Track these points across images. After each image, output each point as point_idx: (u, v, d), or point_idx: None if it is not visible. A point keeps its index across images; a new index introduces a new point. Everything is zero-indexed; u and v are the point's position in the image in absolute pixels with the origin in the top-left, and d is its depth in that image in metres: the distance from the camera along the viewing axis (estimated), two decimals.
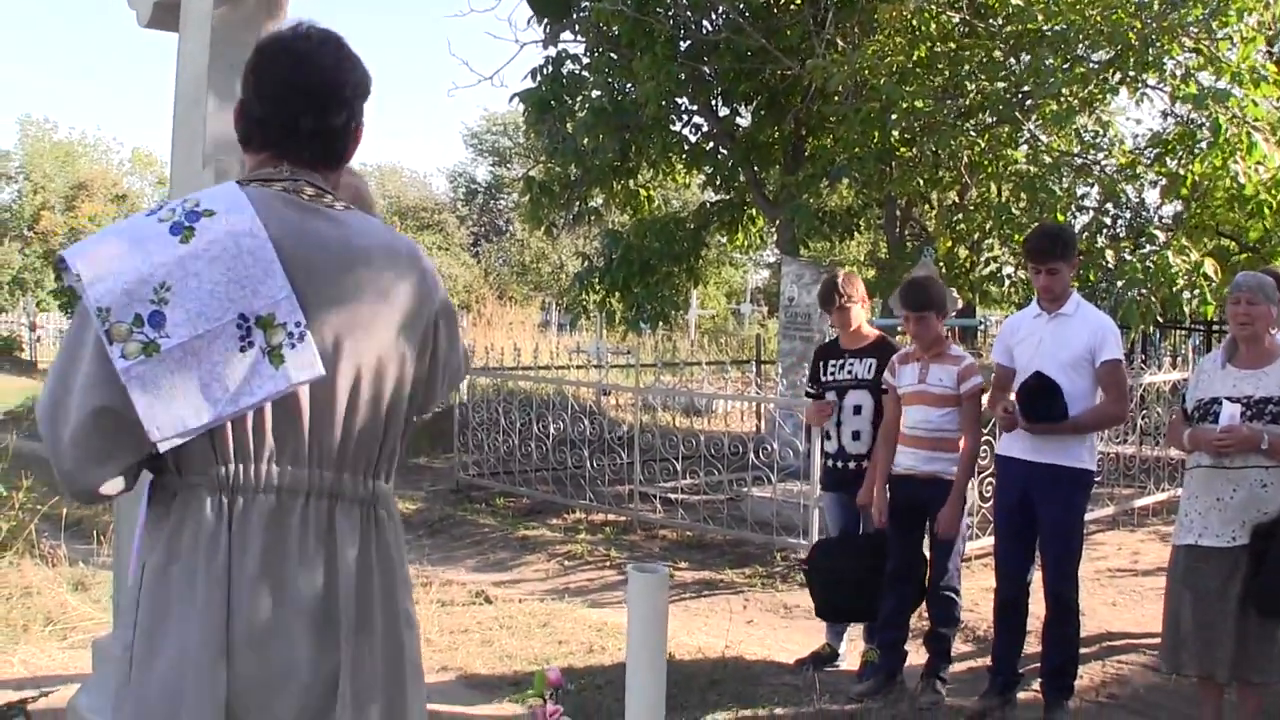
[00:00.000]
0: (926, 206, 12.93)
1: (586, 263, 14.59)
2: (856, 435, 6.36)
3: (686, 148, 13.67)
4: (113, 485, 2.10)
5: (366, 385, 2.20)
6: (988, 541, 6.92)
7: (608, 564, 9.31)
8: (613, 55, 13.57)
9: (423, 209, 31.99)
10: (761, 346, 16.53)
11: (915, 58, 10.28)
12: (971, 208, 11.57)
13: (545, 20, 13.76)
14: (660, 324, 13.95)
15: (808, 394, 6.82)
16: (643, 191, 14.63)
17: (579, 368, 15.66)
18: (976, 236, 11.34)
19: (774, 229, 13.88)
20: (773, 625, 7.80)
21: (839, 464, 6.44)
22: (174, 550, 2.12)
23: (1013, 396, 5.56)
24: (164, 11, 4.24)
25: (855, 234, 14.64)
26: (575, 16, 13.77)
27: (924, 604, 6.11)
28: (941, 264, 11.71)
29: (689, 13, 12.77)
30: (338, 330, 2.16)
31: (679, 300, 14.52)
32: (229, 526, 2.10)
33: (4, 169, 33.43)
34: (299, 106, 2.25)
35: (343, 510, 2.20)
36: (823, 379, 6.49)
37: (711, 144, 13.68)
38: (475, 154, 32.84)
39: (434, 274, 2.35)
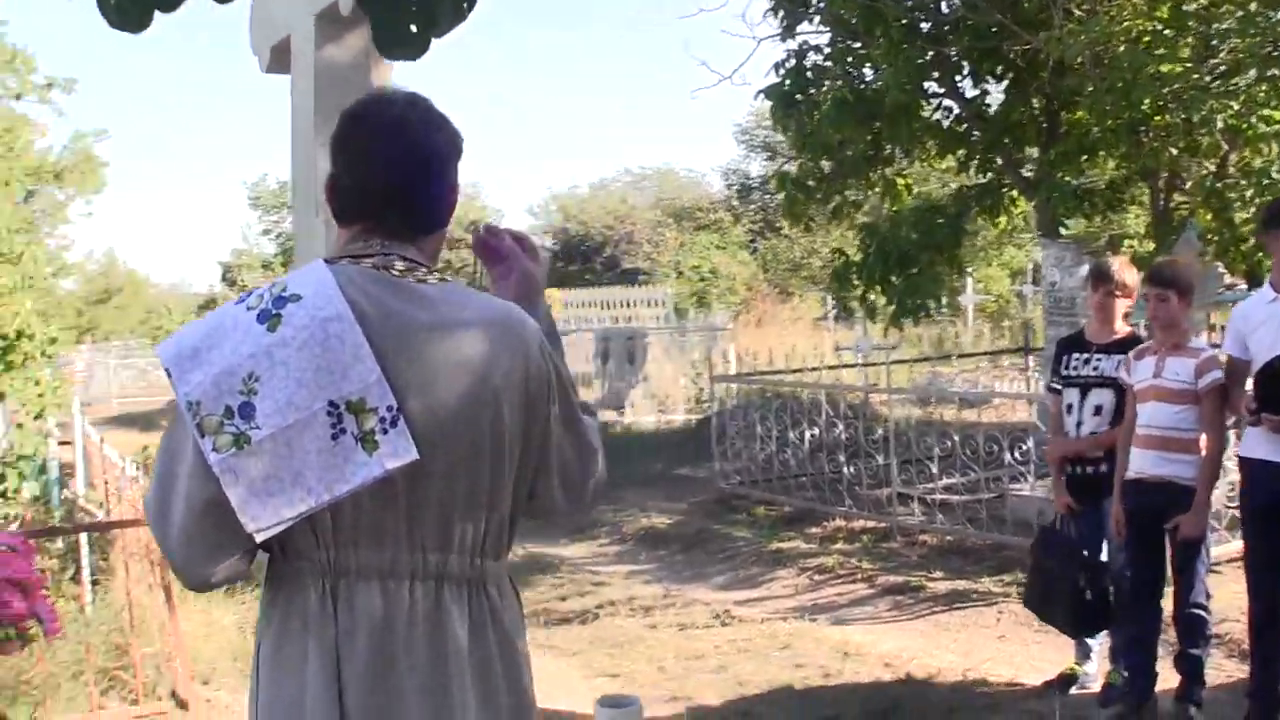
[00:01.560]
0: (1186, 177, 11.99)
1: (843, 258, 14.19)
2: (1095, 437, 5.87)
3: (938, 132, 13.12)
4: (226, 573, 2.15)
5: (464, 466, 2.15)
6: (1238, 545, 6.25)
7: (858, 577, 8.96)
8: (852, 44, 13.16)
9: (698, 209, 32.12)
10: (1030, 334, 15.80)
11: (1158, 20, 9.51)
12: (1234, 176, 10.64)
13: (780, 13, 13.47)
14: (923, 315, 13.41)
15: (1049, 388, 6.36)
16: (900, 180, 14.13)
17: (846, 367, 15.31)
18: (1237, 206, 10.40)
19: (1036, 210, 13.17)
20: (1024, 640, 7.32)
21: (1076, 469, 5.95)
22: (284, 633, 2.16)
23: (1250, 387, 5.00)
24: (280, 55, 4.25)
25: (1121, 209, 13.73)
26: (813, 6, 13.42)
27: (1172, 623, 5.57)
28: (1208, 237, 10.80)
29: None
30: (431, 411, 2.12)
31: (942, 291, 13.93)
32: (334, 611, 2.12)
33: (284, 200, 35.13)
34: (388, 175, 2.23)
35: (451, 592, 2.17)
36: (1064, 373, 6.01)
37: (964, 126, 13.09)
38: (747, 150, 32.77)
39: (538, 348, 2.24)
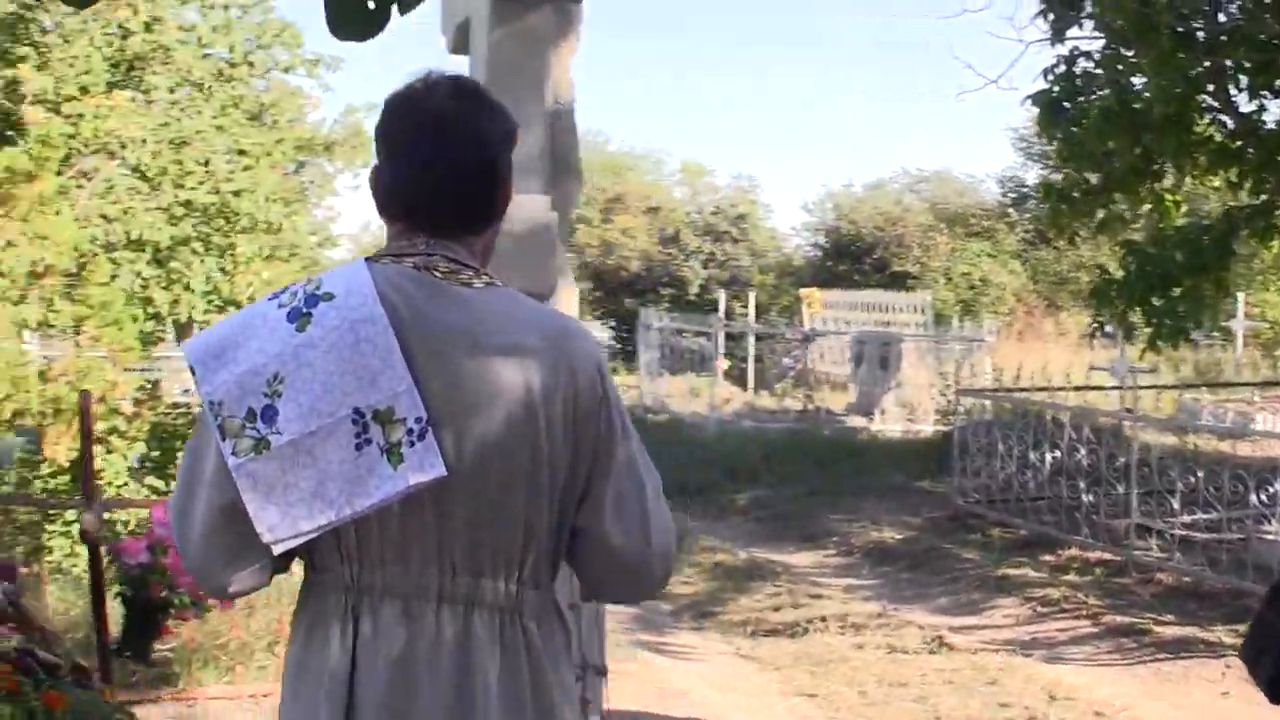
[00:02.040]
0: None
1: (1105, 275, 13.64)
2: None
3: (1209, 148, 12.45)
4: (245, 582, 2.07)
5: (497, 487, 2.01)
6: None
7: (1083, 613, 8.59)
8: (1123, 51, 12.61)
9: (971, 215, 31.34)
10: None
11: None
12: None
13: (1050, 16, 13.03)
14: (1183, 339, 12.77)
15: None
16: (1168, 197, 13.49)
17: (1098, 389, 14.73)
18: None
19: None
20: (1249, 698, 6.89)
21: None
22: (309, 645, 2.06)
23: None
24: (462, 36, 4.26)
25: None
26: (1085, 10, 12.92)
27: None
28: None
29: (1200, 2, 11.64)
30: (464, 425, 1.99)
31: (1204, 315, 13.22)
32: (354, 629, 2.01)
33: None
34: (432, 168, 2.09)
35: (481, 620, 2.02)
36: None
37: (1238, 143, 12.37)
38: (1024, 158, 31.79)
39: (593, 367, 2.10)
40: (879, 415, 18.11)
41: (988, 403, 12.82)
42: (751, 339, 22.50)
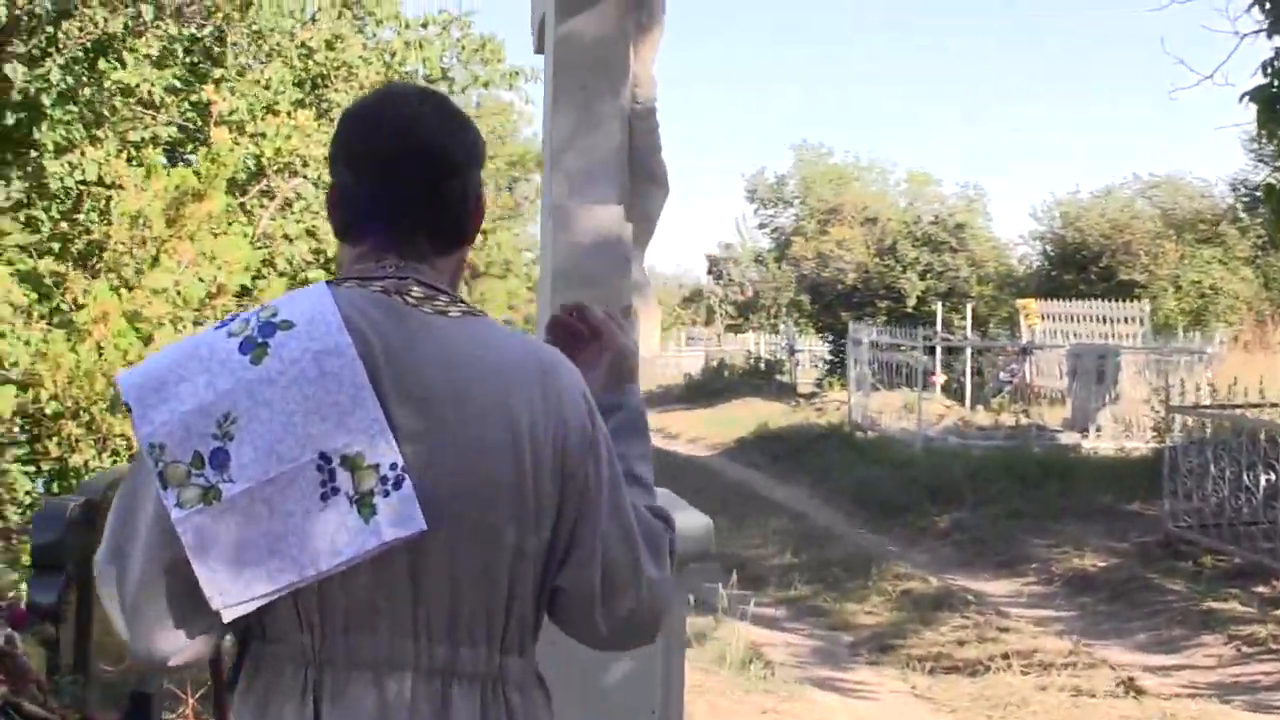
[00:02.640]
0: None
1: None
2: None
3: None
4: (186, 654, 1.79)
5: (480, 541, 1.78)
6: None
7: None
8: None
9: (1200, 221, 29.71)
10: None
11: None
12: None
13: (1267, 4, 12.20)
14: None
15: None
16: None
17: None
18: None
19: None
20: None
21: None
22: None
23: None
24: (542, 33, 4.04)
25: None
26: None
27: None
28: None
29: None
30: (442, 472, 1.75)
31: None
32: (315, 710, 1.75)
33: (780, 194, 35.59)
34: (399, 181, 1.87)
35: (461, 692, 1.78)
36: None
37: None
38: (1255, 159, 29.93)
39: (582, 403, 1.87)
40: (1093, 432, 17.34)
41: (1203, 419, 12.03)
42: (969, 352, 21.80)
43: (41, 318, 9.05)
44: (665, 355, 38.51)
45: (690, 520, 3.52)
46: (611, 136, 3.62)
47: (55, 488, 8.98)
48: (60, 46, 10.42)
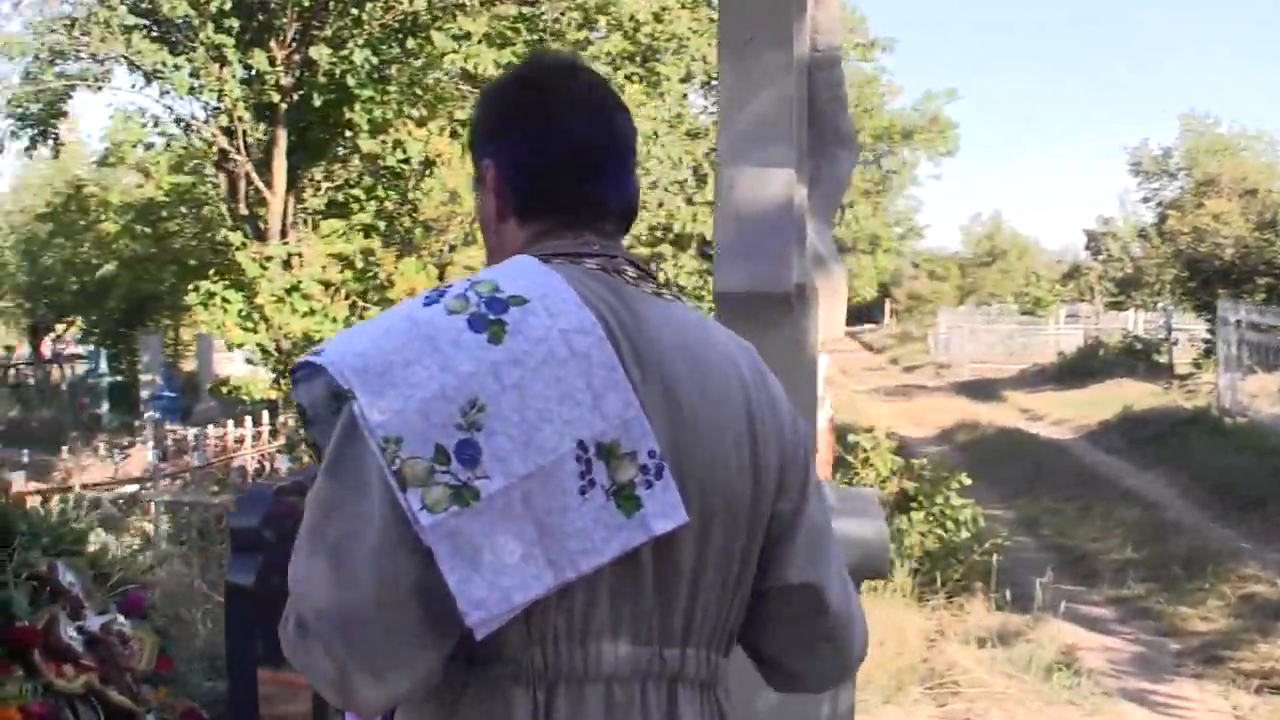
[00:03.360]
0: None
1: None
2: None
3: None
4: (412, 690, 1.54)
5: (719, 532, 1.63)
6: None
7: None
8: None
9: None
10: None
11: None
12: None
13: None
14: None
15: None
16: None
17: None
18: None
19: None
20: None
21: None
22: None
23: None
24: None
25: None
26: None
27: None
28: None
29: None
30: (690, 458, 1.60)
31: None
32: None
33: (1165, 166, 33.50)
34: (597, 154, 1.73)
35: (686, 697, 1.63)
36: None
37: None
38: None
39: (784, 395, 1.75)
40: None
41: None
42: None
43: (351, 295, 9.35)
44: (1044, 332, 37.18)
45: (863, 529, 3.19)
46: (783, 91, 3.28)
47: None
48: (365, 27, 10.69)
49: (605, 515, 1.51)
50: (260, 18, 13.21)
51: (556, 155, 1.71)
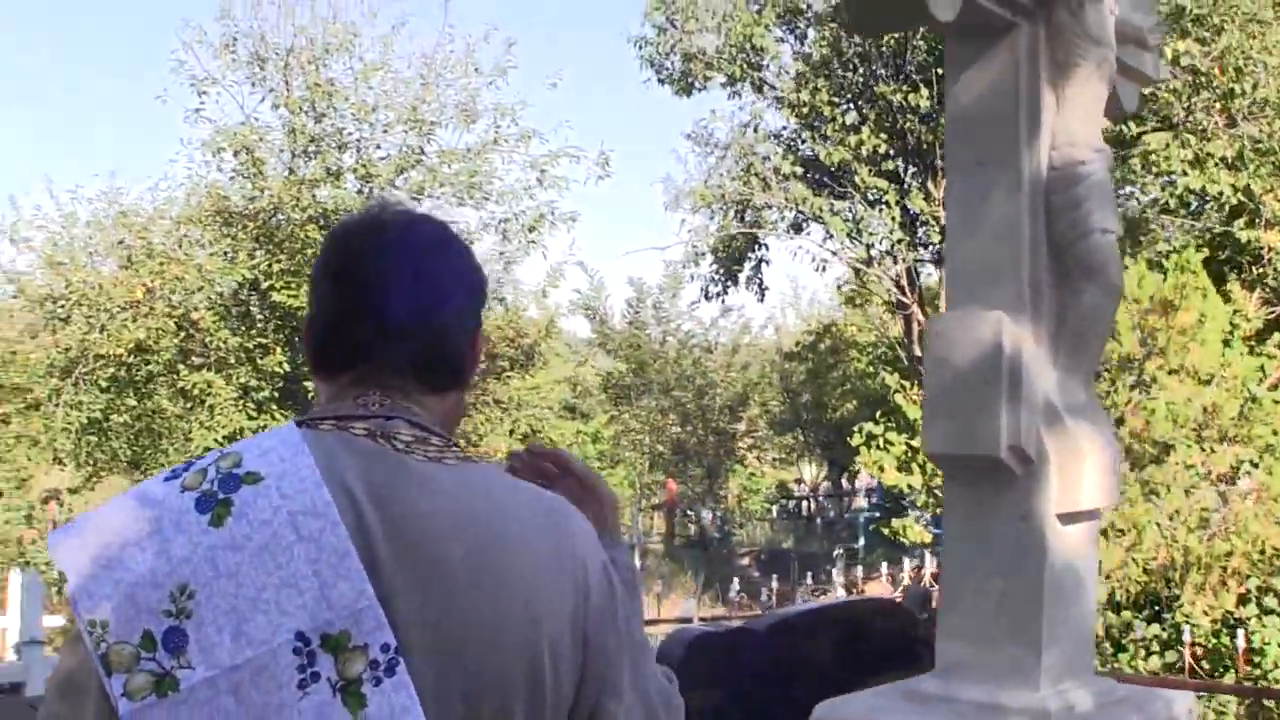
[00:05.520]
0: None
1: None
2: None
3: None
4: None
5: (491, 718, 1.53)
6: None
7: None
8: None
9: None
10: None
11: None
12: None
13: None
14: None
15: None
16: None
17: None
18: None
19: None
20: None
21: None
22: None
23: None
24: None
25: None
26: None
27: None
28: None
29: None
30: (444, 654, 1.50)
31: None
32: None
33: None
34: (395, 306, 1.64)
35: None
36: None
37: None
38: None
39: (599, 563, 1.65)
40: None
41: None
42: None
43: None
44: None
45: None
46: (1008, 220, 2.89)
47: None
48: None
49: (330, 712, 1.41)
50: (916, 162, 13.50)
51: (350, 309, 1.65)
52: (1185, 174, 11.55)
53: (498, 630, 1.50)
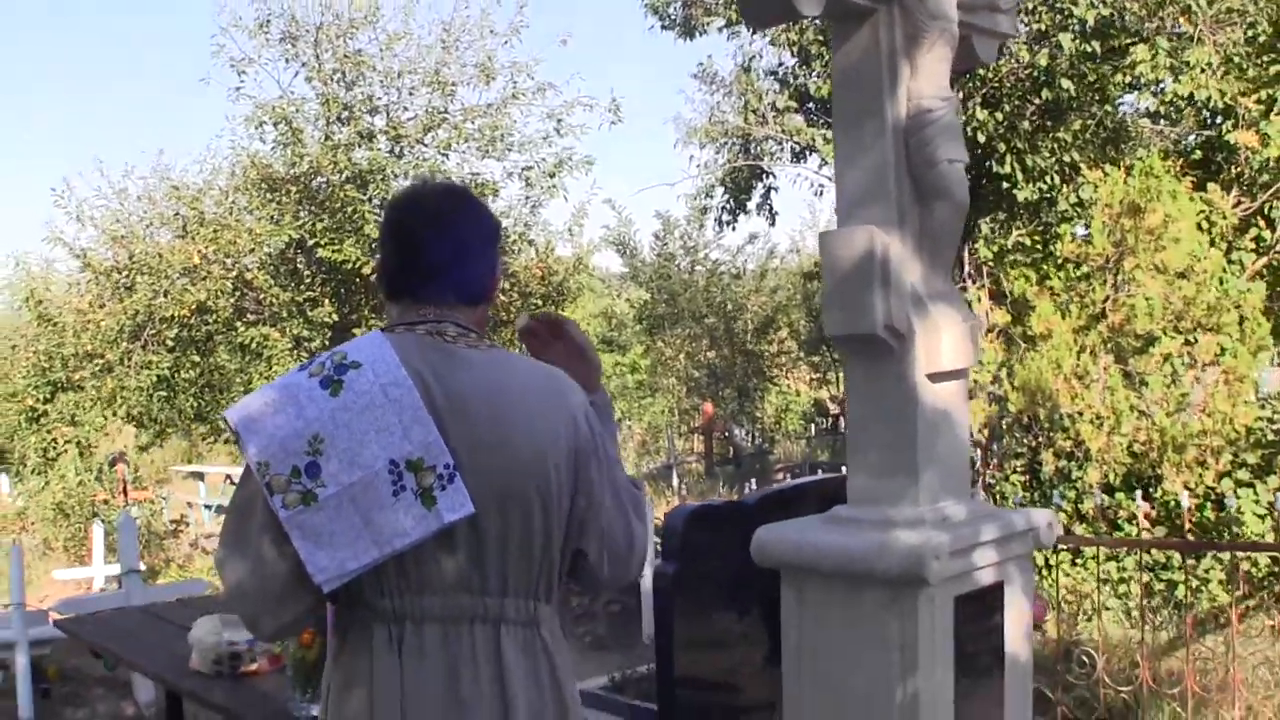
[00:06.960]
0: None
1: None
2: None
3: None
4: (294, 624, 2.30)
5: (517, 517, 2.28)
6: None
7: None
8: None
9: None
10: None
11: None
12: None
13: None
14: None
15: None
16: None
17: None
18: None
19: None
20: None
21: None
22: (351, 677, 2.29)
23: None
24: None
25: None
26: None
27: None
28: None
29: None
30: (484, 467, 2.25)
31: None
32: (399, 655, 2.24)
33: None
34: (433, 256, 2.40)
35: (508, 635, 2.30)
36: None
37: None
38: None
39: (583, 416, 2.41)
40: None
41: None
42: None
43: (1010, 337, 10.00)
44: None
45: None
46: (878, 156, 3.76)
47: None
48: None
49: (414, 509, 2.17)
50: None
51: (404, 259, 2.43)
52: (1176, 81, 12.01)
53: (512, 456, 2.26)
